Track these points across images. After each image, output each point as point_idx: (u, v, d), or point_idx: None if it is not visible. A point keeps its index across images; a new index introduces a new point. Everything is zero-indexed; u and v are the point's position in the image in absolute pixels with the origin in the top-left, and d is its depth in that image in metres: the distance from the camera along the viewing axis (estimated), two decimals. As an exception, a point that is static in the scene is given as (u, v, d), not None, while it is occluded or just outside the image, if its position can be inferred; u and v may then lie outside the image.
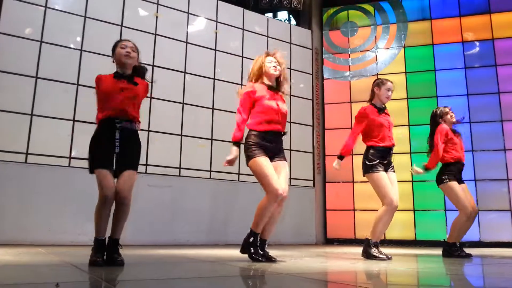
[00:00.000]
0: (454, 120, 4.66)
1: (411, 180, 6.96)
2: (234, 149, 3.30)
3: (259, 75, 3.34)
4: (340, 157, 3.85)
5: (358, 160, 7.32)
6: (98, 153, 2.70)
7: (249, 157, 3.21)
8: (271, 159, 3.20)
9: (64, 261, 2.93)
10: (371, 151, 3.78)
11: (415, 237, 6.80)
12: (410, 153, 7.08)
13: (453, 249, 4.31)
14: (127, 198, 2.69)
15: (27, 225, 4.86)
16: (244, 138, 3.32)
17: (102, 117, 2.74)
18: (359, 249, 4.74)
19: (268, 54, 3.40)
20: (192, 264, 3.06)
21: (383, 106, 3.92)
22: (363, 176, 3.88)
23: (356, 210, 7.17)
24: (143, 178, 5.43)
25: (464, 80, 7.14)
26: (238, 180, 6.49)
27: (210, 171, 6.25)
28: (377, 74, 7.59)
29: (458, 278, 2.56)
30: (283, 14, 8.32)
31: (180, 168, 5.99)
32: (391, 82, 3.93)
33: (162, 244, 5.36)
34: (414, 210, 6.89)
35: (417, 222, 6.86)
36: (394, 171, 3.85)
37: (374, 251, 3.59)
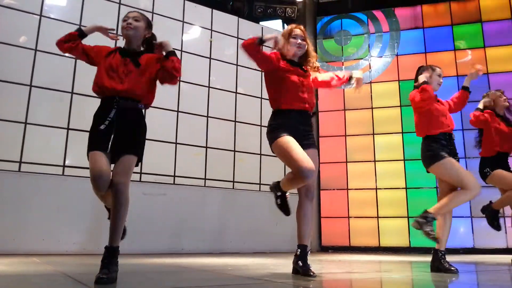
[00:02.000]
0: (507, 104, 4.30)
1: (404, 187, 6.99)
2: None
3: None
4: None
5: (352, 167, 7.40)
6: (91, 134, 2.44)
7: None
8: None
9: (58, 271, 2.92)
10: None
11: (410, 244, 6.82)
12: (404, 160, 7.12)
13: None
14: (121, 183, 2.31)
15: (20, 234, 4.82)
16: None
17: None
18: (354, 257, 4.76)
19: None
20: (188, 273, 3.05)
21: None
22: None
23: (350, 217, 7.18)
24: (138, 186, 5.42)
25: (457, 88, 7.21)
26: (233, 188, 6.50)
27: (205, 179, 6.25)
28: (371, 82, 7.66)
29: (453, 287, 2.57)
30: (277, 23, 8.37)
31: (174, 176, 5.98)
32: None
33: (156, 253, 5.33)
34: (408, 217, 6.91)
35: (411, 229, 6.88)
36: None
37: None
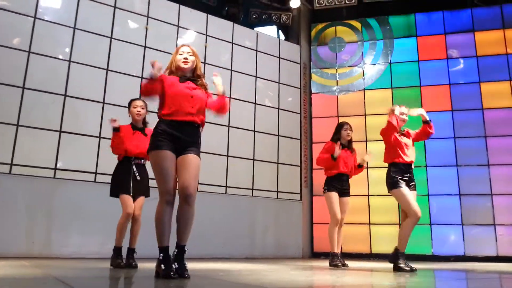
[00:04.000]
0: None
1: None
2: None
3: None
4: None
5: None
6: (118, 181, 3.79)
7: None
8: None
9: (48, 274, 2.89)
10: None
11: (401, 251, 6.81)
12: (396, 167, 7.16)
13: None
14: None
15: (10, 237, 4.77)
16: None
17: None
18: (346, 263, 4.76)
19: None
20: (179, 279, 3.03)
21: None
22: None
23: (343, 223, 7.17)
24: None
25: (449, 96, 7.29)
26: (226, 193, 6.50)
27: (198, 184, 6.23)
28: (364, 89, 7.71)
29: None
30: (272, 29, 8.41)
31: None
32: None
33: (143, 258, 5.28)
34: (400, 224, 6.91)
35: (403, 236, 6.88)
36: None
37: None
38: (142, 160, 3.84)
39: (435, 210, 6.87)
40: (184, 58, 2.93)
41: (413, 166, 4.16)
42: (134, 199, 3.76)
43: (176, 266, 2.69)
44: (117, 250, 3.71)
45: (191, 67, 2.97)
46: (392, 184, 4.03)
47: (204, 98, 2.95)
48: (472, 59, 7.32)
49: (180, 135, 2.76)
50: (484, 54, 7.27)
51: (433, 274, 4.01)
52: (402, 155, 4.06)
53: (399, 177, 4.00)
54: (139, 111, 3.90)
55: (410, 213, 3.93)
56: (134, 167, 3.76)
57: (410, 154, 4.13)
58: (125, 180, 3.73)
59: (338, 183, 4.73)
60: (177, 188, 2.79)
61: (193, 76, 2.99)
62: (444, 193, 6.89)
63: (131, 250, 3.74)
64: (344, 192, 4.77)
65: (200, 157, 2.83)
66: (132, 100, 3.99)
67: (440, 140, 7.08)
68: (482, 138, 6.94)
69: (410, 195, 4.00)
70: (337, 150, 4.64)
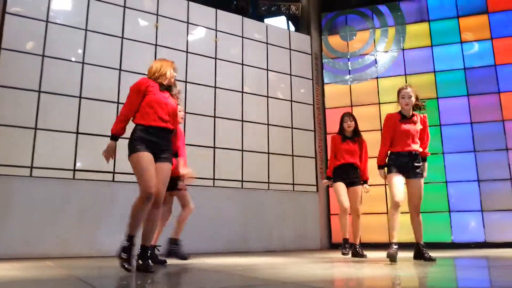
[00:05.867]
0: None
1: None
2: None
3: None
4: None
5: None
6: None
7: None
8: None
9: (72, 275, 2.96)
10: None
11: (420, 240, 6.77)
12: (413, 155, 7.09)
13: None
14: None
15: (33, 238, 4.90)
16: None
17: None
18: (364, 253, 4.76)
19: None
20: (199, 274, 3.07)
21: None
22: None
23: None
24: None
25: (464, 81, 7.16)
26: (242, 188, 6.52)
27: (214, 179, 6.28)
28: (377, 78, 7.62)
29: (464, 283, 2.57)
30: (282, 21, 8.36)
31: None
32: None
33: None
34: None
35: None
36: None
37: None
38: None
39: (453, 197, 6.79)
40: (175, 76, 3.28)
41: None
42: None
43: (141, 263, 2.95)
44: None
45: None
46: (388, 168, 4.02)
47: (175, 105, 3.25)
48: (487, 41, 7.17)
49: (157, 140, 3.01)
50: (498, 37, 7.11)
51: (453, 263, 3.99)
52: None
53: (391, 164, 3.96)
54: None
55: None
56: None
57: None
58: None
59: (344, 174, 4.74)
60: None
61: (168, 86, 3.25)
62: (463, 179, 6.80)
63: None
64: (352, 182, 4.76)
65: (172, 162, 3.15)
66: None
67: (457, 126, 6.98)
68: (499, 122, 6.81)
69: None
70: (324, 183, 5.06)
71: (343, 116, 4.94)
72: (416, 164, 3.93)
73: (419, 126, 3.99)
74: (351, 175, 4.76)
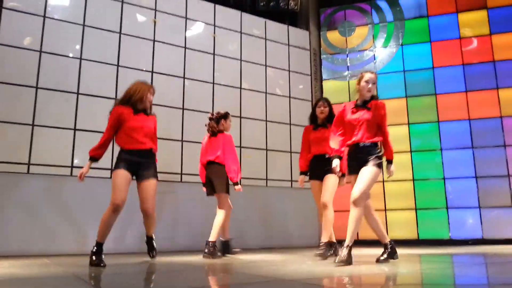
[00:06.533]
0: None
1: (412, 179, 6.97)
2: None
3: None
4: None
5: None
6: None
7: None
8: None
9: (69, 272, 2.96)
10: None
11: (418, 237, 6.80)
12: (410, 151, 7.10)
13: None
14: None
15: (30, 235, 4.89)
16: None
17: None
18: (362, 251, 4.77)
19: None
20: (195, 272, 3.08)
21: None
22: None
23: (358, 209, 7.16)
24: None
25: (463, 77, 7.15)
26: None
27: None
28: (376, 73, 7.59)
29: (461, 280, 2.58)
30: (280, 16, 8.31)
31: (181, 174, 6.02)
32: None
33: (171, 251, 5.38)
34: (416, 209, 6.90)
35: (419, 221, 6.87)
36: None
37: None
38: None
39: (451, 194, 6.81)
40: (151, 100, 3.75)
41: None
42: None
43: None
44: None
45: None
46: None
47: (153, 126, 3.73)
48: (485, 37, 7.16)
49: (140, 159, 3.57)
50: (498, 32, 7.10)
51: (451, 259, 4.00)
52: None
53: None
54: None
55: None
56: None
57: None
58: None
59: (318, 167, 4.25)
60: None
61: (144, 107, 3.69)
62: (460, 176, 6.81)
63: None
64: (324, 173, 4.17)
65: (156, 176, 3.69)
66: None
67: (455, 122, 6.98)
68: (497, 118, 6.82)
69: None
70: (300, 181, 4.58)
71: (317, 102, 4.53)
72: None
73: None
74: (326, 165, 4.04)
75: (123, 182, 3.45)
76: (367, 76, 3.69)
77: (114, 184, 3.45)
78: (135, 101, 3.59)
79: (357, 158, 3.52)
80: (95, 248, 3.38)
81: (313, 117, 4.50)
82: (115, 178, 3.46)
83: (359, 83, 3.70)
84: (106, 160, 5.43)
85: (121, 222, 5.12)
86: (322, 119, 4.41)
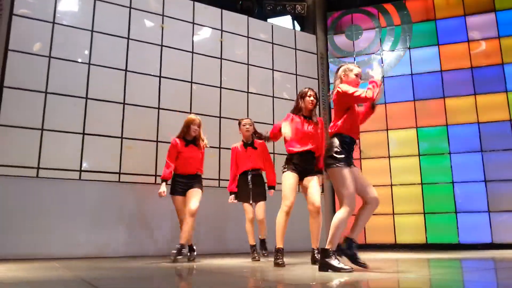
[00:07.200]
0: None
1: (420, 183, 6.92)
2: None
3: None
4: None
5: (366, 164, 7.34)
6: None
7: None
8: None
9: (78, 276, 2.98)
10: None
11: (426, 241, 6.75)
12: (419, 155, 7.05)
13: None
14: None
15: (39, 239, 4.93)
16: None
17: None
18: (369, 254, 4.74)
19: None
20: (203, 275, 3.08)
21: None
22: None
23: (366, 214, 7.12)
24: (155, 188, 5.47)
25: (471, 79, 7.11)
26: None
27: (219, 179, 6.28)
28: (383, 77, 7.58)
29: (470, 285, 2.55)
30: (287, 20, 8.34)
31: (219, 179, 6.12)
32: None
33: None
34: (424, 213, 6.85)
35: (427, 226, 6.81)
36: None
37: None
38: (259, 171, 4.77)
39: (460, 198, 6.75)
40: (196, 130, 4.63)
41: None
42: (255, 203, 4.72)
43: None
44: (252, 247, 4.78)
45: None
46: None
47: (200, 156, 4.68)
48: (494, 39, 7.11)
49: (187, 180, 4.55)
50: (506, 35, 7.05)
51: (460, 264, 3.96)
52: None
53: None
54: (248, 128, 4.75)
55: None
56: (249, 178, 4.69)
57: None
58: (244, 190, 4.68)
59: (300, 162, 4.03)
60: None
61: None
62: (469, 180, 6.76)
63: (263, 241, 4.93)
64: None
65: (202, 188, 4.62)
66: (240, 120, 4.92)
67: (463, 126, 6.94)
68: (507, 121, 6.76)
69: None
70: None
71: (307, 91, 4.13)
72: None
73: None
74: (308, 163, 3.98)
75: (181, 207, 4.57)
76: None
77: (177, 209, 4.58)
78: (185, 133, 4.61)
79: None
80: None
81: (298, 108, 4.17)
82: (175, 203, 4.57)
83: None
84: (114, 165, 5.48)
85: (140, 226, 5.15)
86: (309, 111, 4.15)
